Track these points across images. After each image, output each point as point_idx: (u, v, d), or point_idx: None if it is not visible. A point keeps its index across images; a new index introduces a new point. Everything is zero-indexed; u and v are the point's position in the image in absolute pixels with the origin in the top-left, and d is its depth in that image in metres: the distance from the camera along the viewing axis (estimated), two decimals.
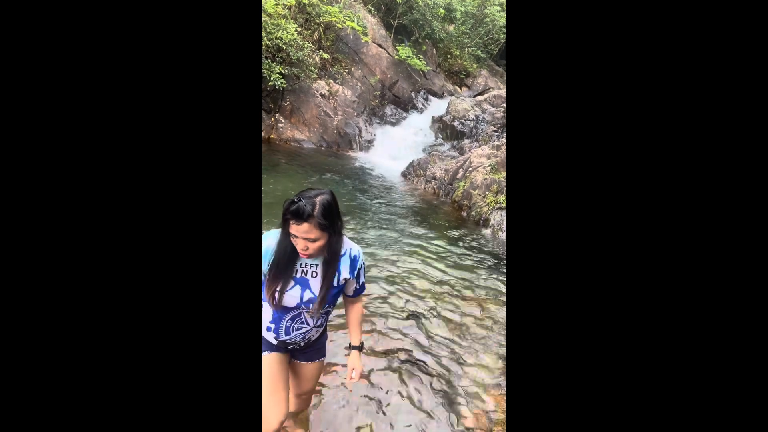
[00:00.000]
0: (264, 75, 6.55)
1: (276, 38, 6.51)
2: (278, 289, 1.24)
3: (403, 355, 2.37)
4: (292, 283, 1.25)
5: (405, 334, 2.55)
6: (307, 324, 1.34)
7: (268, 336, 1.35)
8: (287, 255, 1.23)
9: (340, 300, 1.41)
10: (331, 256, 1.24)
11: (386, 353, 2.36)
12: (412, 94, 9.45)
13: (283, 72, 6.71)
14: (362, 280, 1.37)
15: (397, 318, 2.71)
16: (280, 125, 7.45)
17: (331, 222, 1.17)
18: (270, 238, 1.26)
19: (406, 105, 9.26)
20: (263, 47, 6.48)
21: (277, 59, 6.80)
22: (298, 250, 1.19)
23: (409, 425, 1.89)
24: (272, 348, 1.37)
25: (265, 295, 1.26)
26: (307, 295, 1.27)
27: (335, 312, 2.56)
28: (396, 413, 1.95)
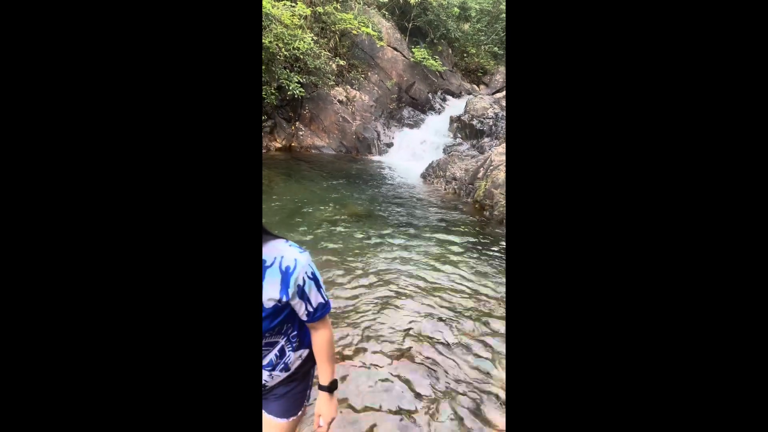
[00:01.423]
0: (283, 85, 6.72)
1: (293, 48, 6.66)
2: None
3: (426, 360, 2.36)
4: None
5: (429, 338, 2.55)
6: None
7: None
8: None
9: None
10: None
11: (409, 358, 2.36)
12: (429, 95, 9.44)
13: (301, 81, 6.86)
14: (317, 300, 0.98)
15: (419, 321, 2.71)
16: (300, 133, 7.60)
17: None
18: None
19: (423, 106, 9.26)
20: (281, 58, 6.65)
21: (295, 69, 6.96)
22: None
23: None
24: None
25: None
26: None
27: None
28: (423, 418, 1.95)
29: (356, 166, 7.00)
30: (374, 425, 1.85)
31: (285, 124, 7.49)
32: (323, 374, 1.08)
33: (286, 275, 0.91)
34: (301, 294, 0.94)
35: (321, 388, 1.09)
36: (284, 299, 0.92)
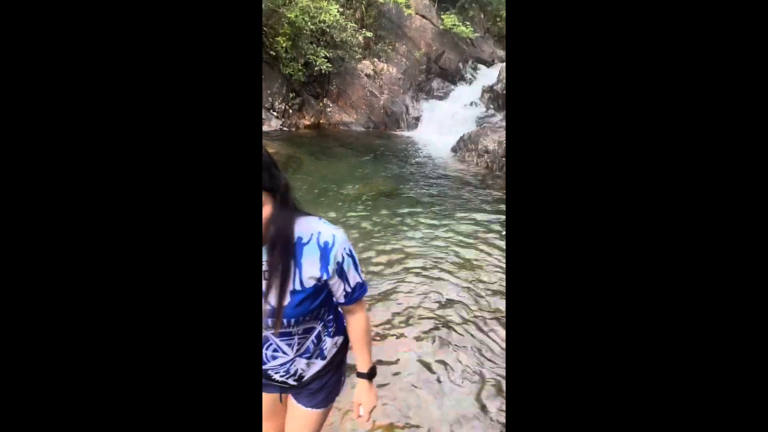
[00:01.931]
0: (310, 60, 6.64)
1: (319, 22, 6.52)
2: None
3: (456, 342, 2.36)
4: None
5: (457, 319, 2.54)
6: (283, 352, 0.95)
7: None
8: None
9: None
10: (277, 241, 0.81)
11: (438, 340, 2.37)
12: (460, 65, 9.04)
13: (328, 56, 6.74)
14: (355, 279, 0.93)
15: (449, 304, 2.70)
16: (329, 110, 7.56)
17: (269, 175, 0.77)
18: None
19: (453, 76, 8.91)
20: (308, 32, 6.54)
21: (322, 43, 6.83)
22: None
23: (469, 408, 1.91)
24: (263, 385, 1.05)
25: None
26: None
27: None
28: (451, 399, 1.97)
29: (385, 142, 6.91)
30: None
31: (313, 101, 7.45)
32: (361, 361, 1.03)
33: (325, 251, 0.86)
34: (340, 272, 0.89)
35: (360, 375, 1.04)
36: (324, 277, 0.87)
